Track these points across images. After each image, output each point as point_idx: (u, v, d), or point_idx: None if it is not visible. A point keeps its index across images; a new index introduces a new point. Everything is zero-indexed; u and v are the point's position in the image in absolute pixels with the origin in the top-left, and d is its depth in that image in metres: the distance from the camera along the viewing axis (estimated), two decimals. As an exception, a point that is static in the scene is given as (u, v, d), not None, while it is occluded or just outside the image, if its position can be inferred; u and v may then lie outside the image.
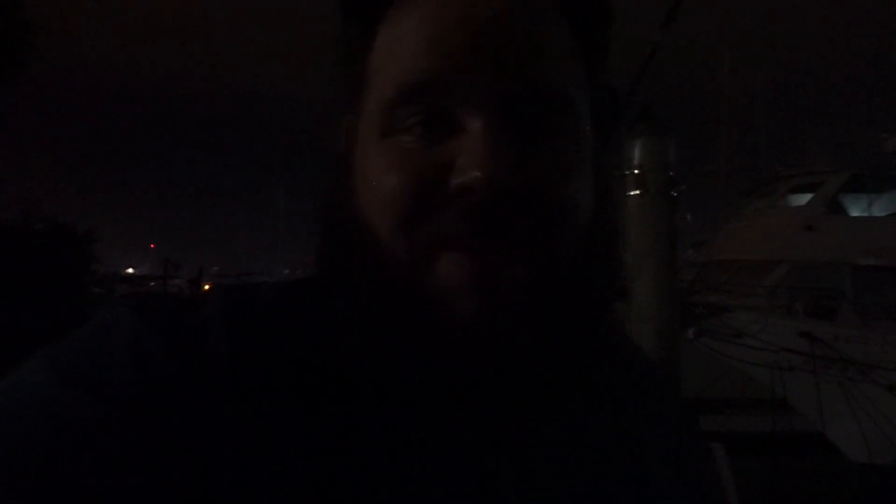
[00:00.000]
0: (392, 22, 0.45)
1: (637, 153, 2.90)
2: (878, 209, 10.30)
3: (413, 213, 0.42)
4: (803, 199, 10.61)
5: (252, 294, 0.48)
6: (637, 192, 2.88)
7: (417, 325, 0.42)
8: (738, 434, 6.90)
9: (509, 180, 0.41)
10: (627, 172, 2.88)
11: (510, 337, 0.42)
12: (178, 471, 0.37)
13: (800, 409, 7.43)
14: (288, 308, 0.48)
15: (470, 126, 0.42)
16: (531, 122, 0.44)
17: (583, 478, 0.48)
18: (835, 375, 7.20)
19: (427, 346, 0.42)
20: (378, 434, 0.43)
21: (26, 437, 0.35)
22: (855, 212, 10.37)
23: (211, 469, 0.38)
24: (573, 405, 0.51)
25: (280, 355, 0.44)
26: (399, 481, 0.42)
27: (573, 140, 0.46)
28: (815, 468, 6.65)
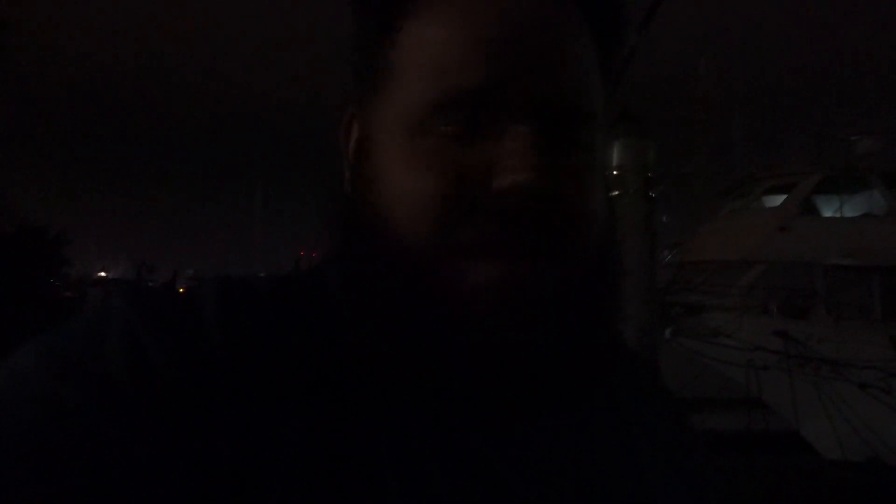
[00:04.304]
0: (423, 20, 0.45)
1: (616, 154, 2.92)
2: (850, 210, 10.48)
3: (451, 215, 0.43)
4: (777, 200, 10.76)
5: (246, 286, 0.48)
6: (616, 192, 2.90)
7: (441, 324, 0.43)
8: (715, 432, 6.97)
9: (548, 187, 0.42)
10: (606, 173, 2.90)
11: (528, 339, 0.43)
12: (172, 461, 0.37)
13: (775, 408, 7.53)
14: (283, 300, 0.48)
15: (511, 133, 0.43)
16: (561, 135, 0.45)
17: (583, 474, 0.48)
18: (808, 374, 7.32)
19: (446, 344, 0.43)
20: (378, 426, 0.43)
21: (17, 425, 0.35)
22: (827, 213, 10.54)
23: (207, 459, 0.37)
24: (575, 402, 0.52)
25: (276, 346, 0.44)
26: (398, 473, 0.41)
27: (593, 152, 0.47)
28: (790, 465, 6.74)
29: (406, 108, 0.45)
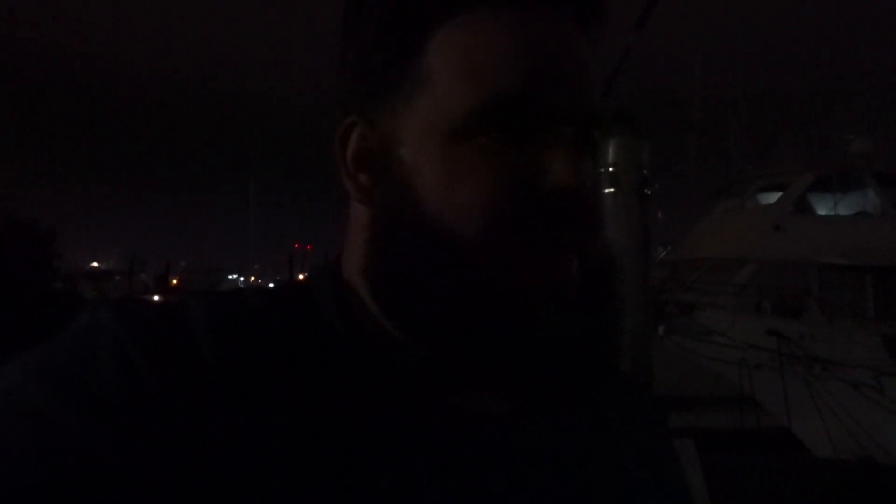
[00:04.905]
0: (461, 27, 0.46)
1: (611, 152, 2.91)
2: (844, 209, 10.51)
3: (503, 218, 0.44)
4: (772, 199, 10.78)
5: (235, 298, 0.49)
6: (611, 190, 2.89)
7: (495, 321, 0.45)
8: (707, 430, 7.00)
9: (588, 188, 0.45)
10: (602, 170, 2.89)
11: (565, 330, 0.46)
12: (167, 476, 0.37)
13: (767, 406, 7.56)
14: (273, 312, 0.48)
15: (558, 137, 0.46)
16: (586, 138, 0.48)
17: (567, 477, 0.49)
18: (800, 373, 7.35)
19: (494, 339, 0.45)
20: (371, 430, 0.43)
21: (8, 445, 0.35)
22: (821, 212, 10.56)
23: (202, 472, 0.38)
24: (584, 396, 0.54)
25: (266, 355, 0.44)
26: (390, 475, 0.42)
27: (598, 154, 0.51)
28: (782, 464, 6.78)
29: (444, 114, 0.45)
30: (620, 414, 0.57)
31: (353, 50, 0.50)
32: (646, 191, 2.97)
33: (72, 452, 0.35)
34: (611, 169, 2.89)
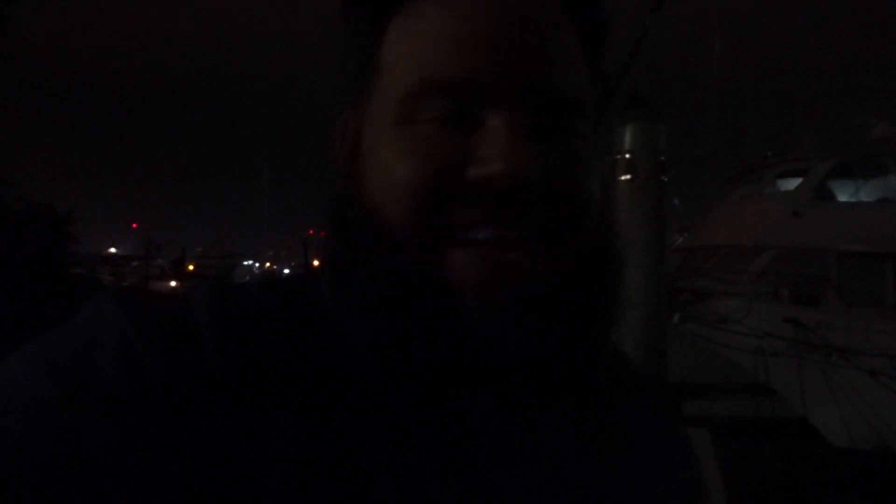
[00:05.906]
0: (411, 16, 0.47)
1: (628, 138, 2.88)
2: (866, 195, 10.32)
3: (430, 201, 0.43)
4: (791, 185, 10.62)
5: (238, 291, 0.49)
6: (627, 176, 2.86)
7: (431, 314, 0.43)
8: (722, 418, 6.97)
9: (530, 173, 0.42)
10: (618, 157, 2.86)
11: (525, 330, 0.43)
12: (170, 469, 0.37)
13: (783, 394, 7.52)
14: (275, 303, 0.48)
15: (492, 122, 0.44)
16: (551, 124, 0.46)
17: (571, 472, 0.48)
18: (817, 361, 7.29)
19: (440, 336, 0.43)
20: (372, 425, 0.43)
21: (10, 438, 0.35)
22: (842, 198, 10.38)
23: (203, 466, 0.38)
24: (565, 397, 0.53)
25: (269, 350, 0.44)
26: (391, 471, 0.42)
27: (586, 140, 0.48)
28: (797, 452, 6.75)
29: (391, 100, 0.46)
30: (626, 405, 0.56)
31: (342, 48, 0.52)
32: (662, 177, 2.93)
33: (72, 445, 0.35)
34: (626, 156, 2.85)
